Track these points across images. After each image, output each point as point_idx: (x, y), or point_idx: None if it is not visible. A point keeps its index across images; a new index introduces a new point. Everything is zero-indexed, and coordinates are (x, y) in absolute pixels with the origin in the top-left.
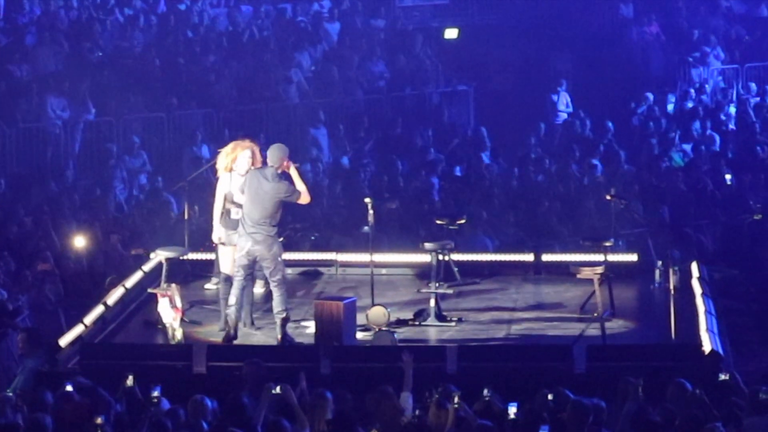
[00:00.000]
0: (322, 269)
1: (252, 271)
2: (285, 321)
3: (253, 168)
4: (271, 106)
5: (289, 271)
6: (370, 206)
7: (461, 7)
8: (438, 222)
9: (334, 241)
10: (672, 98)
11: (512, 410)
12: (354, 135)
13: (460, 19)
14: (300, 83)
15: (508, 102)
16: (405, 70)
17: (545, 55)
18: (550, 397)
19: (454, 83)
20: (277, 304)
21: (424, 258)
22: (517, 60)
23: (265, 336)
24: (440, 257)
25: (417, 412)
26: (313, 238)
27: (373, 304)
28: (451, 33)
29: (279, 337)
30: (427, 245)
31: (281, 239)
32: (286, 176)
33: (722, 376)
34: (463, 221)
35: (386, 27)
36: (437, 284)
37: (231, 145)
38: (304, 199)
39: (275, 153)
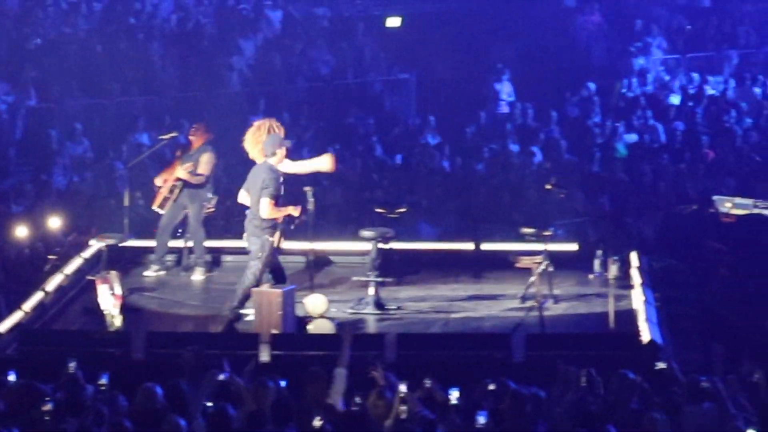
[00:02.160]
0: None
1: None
2: (236, 317)
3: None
4: (213, 94)
5: (229, 258)
6: (309, 195)
7: None
8: (378, 210)
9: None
10: (626, 85)
11: (454, 395)
12: (296, 123)
13: (402, 8)
14: (241, 71)
15: (451, 91)
16: (347, 58)
17: (488, 44)
18: (491, 387)
19: (396, 72)
20: (236, 297)
21: (364, 246)
22: (459, 49)
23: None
24: (379, 246)
25: (357, 399)
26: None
27: (312, 293)
28: (393, 21)
29: (222, 327)
30: (366, 233)
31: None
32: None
33: (659, 365)
34: (403, 210)
35: (328, 15)
36: (376, 273)
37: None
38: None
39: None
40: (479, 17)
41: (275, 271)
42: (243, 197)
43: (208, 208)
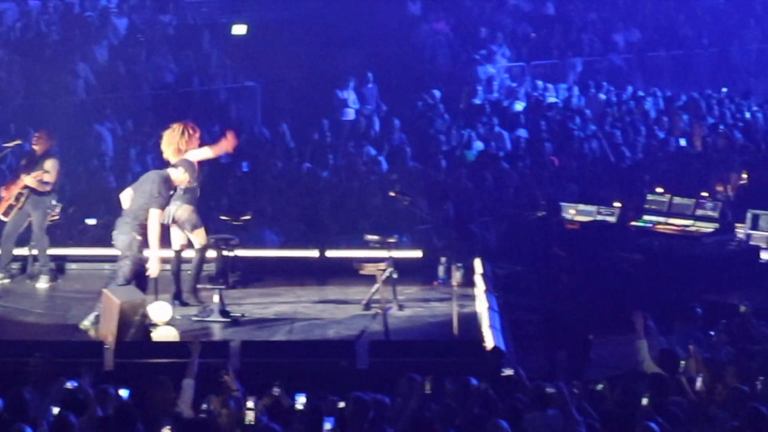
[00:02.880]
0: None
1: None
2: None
3: None
4: (58, 101)
5: (73, 266)
6: None
7: (250, 3)
8: (222, 218)
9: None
10: (471, 93)
11: (300, 401)
12: (140, 130)
13: (248, 15)
14: (87, 78)
15: (297, 98)
16: (192, 66)
17: (335, 52)
18: (341, 405)
19: (241, 79)
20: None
21: (208, 254)
22: (306, 56)
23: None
24: (224, 253)
25: (204, 407)
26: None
27: (155, 300)
28: (239, 29)
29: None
30: (210, 241)
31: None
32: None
33: (506, 372)
34: (248, 217)
35: (174, 22)
36: (220, 280)
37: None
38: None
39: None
40: (326, 25)
41: (138, 277)
42: (125, 195)
43: (53, 216)
